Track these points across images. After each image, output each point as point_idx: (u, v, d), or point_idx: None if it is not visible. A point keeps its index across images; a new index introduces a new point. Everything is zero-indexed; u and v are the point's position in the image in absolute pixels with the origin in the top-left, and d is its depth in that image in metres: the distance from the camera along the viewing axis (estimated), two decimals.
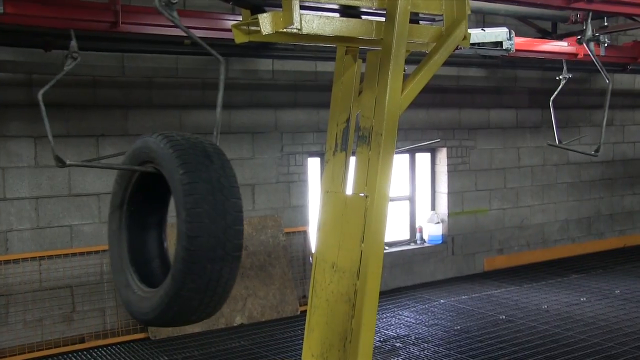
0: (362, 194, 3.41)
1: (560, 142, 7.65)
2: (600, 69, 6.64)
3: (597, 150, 6.71)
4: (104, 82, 6.83)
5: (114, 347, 6.69)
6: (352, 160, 3.69)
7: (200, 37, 6.33)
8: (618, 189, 11.29)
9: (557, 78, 7.44)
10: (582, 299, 8.02)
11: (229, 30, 6.09)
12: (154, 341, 6.82)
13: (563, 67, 7.47)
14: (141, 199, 3.29)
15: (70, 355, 6.47)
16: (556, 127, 7.49)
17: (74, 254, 6.73)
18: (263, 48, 7.26)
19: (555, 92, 7.47)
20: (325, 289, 3.55)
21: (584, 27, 6.74)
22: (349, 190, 3.58)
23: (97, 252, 6.83)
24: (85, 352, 6.53)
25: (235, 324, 7.31)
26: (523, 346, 6.37)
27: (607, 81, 6.71)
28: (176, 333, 6.97)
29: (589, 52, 6.81)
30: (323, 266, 3.58)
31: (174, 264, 2.82)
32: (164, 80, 7.15)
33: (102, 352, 6.56)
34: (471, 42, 4.51)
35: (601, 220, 11.09)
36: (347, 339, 3.37)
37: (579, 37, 6.92)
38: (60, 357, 6.42)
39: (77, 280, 6.75)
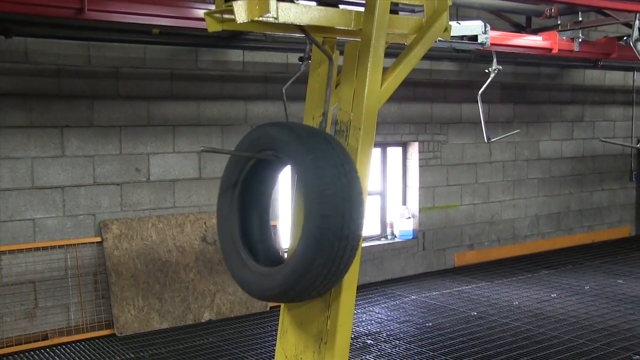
0: None
1: (489, 138, 7.63)
2: None
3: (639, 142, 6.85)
4: (69, 71, 6.60)
5: (78, 344, 6.49)
6: None
7: (168, 26, 6.23)
8: (587, 184, 11.35)
9: (486, 71, 7.37)
10: (552, 295, 8.02)
11: (198, 19, 5.98)
12: (120, 338, 6.64)
13: (493, 59, 7.40)
14: (253, 183, 3.52)
15: (32, 352, 6.25)
16: (484, 123, 7.44)
17: (36, 249, 6.51)
18: (233, 39, 7.10)
19: (484, 86, 7.40)
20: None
21: (632, 30, 6.74)
22: None
23: (61, 246, 6.62)
24: (48, 350, 6.32)
25: (203, 320, 7.15)
26: (495, 343, 6.33)
27: None
28: (143, 329, 6.79)
29: (636, 53, 6.78)
30: None
31: (303, 242, 3.03)
32: (132, 70, 6.94)
33: (67, 349, 6.36)
34: None
35: (571, 215, 11.14)
36: (322, 339, 3.26)
37: (625, 37, 6.94)
38: (22, 354, 6.21)
39: (40, 276, 6.53)
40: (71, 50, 6.57)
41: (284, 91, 5.82)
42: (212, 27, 3.19)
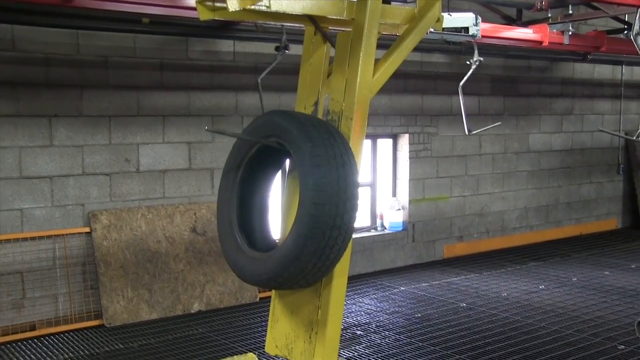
0: None
1: (470, 131, 7.63)
2: None
3: (639, 136, 6.93)
4: (58, 60, 6.54)
5: (67, 334, 6.47)
6: None
7: (158, 15, 6.18)
8: (576, 177, 11.41)
9: (468, 62, 7.35)
10: (540, 287, 8.06)
11: (189, 8, 5.94)
12: (108, 328, 6.62)
13: (474, 51, 7.37)
14: (255, 170, 3.55)
15: (20, 343, 6.22)
16: (465, 115, 7.43)
17: (24, 239, 6.47)
18: (224, 28, 7.06)
19: (465, 77, 7.39)
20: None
21: (633, 24, 6.75)
22: None
23: (49, 236, 6.58)
24: (36, 340, 6.29)
25: (193, 311, 7.14)
26: (484, 334, 6.36)
27: None
28: (132, 320, 6.78)
29: (637, 48, 6.79)
30: None
31: (296, 228, 3.05)
32: (121, 59, 6.89)
33: (55, 339, 6.33)
34: None
35: (559, 208, 11.20)
36: (313, 329, 3.26)
37: (625, 31, 6.96)
38: (9, 345, 6.18)
39: (28, 266, 6.49)
40: (60, 38, 6.52)
41: (259, 81, 5.83)
42: (204, 15, 3.17)
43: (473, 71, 7.36)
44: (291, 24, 4.39)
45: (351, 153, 3.18)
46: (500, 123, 8.58)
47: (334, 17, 3.44)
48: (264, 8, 3.07)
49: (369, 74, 3.29)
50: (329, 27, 3.71)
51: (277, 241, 3.66)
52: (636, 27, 6.68)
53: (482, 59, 7.31)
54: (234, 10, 2.99)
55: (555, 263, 9.37)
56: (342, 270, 3.28)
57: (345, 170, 3.08)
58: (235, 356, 3.75)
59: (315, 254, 3.02)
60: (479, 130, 8.04)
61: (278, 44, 6.61)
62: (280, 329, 3.44)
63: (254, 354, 3.77)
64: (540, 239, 10.83)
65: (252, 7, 3.05)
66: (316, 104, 3.55)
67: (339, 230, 3.05)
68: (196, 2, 3.19)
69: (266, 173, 3.61)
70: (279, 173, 3.70)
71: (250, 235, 3.53)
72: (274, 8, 3.10)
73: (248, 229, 3.54)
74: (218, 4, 3.13)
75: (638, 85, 12.09)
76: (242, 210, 3.54)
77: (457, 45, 8.39)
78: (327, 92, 3.55)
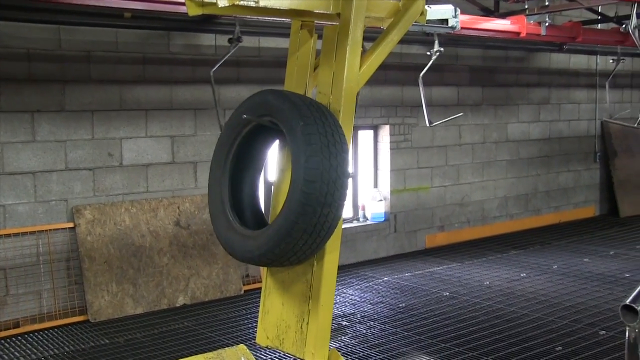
0: None
1: (430, 122, 7.68)
2: None
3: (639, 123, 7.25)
4: (39, 55, 6.51)
5: (52, 330, 6.45)
6: None
7: (140, 9, 6.17)
8: (554, 166, 11.57)
9: (428, 53, 7.39)
10: (522, 275, 8.19)
11: (170, 2, 5.95)
12: (93, 323, 6.62)
13: (435, 41, 7.40)
14: (247, 148, 3.60)
15: (4, 340, 6.20)
16: (425, 106, 7.48)
17: (7, 235, 6.44)
18: (205, 22, 7.06)
19: (426, 67, 7.43)
20: (280, 270, 3.47)
21: (630, 17, 6.96)
22: None
23: (32, 232, 6.56)
24: (20, 338, 6.27)
25: (178, 305, 7.16)
26: (467, 322, 6.46)
27: None
28: (117, 315, 6.78)
29: (634, 40, 6.97)
30: None
31: (287, 205, 3.11)
32: (103, 54, 6.87)
33: (39, 336, 6.31)
34: None
35: (538, 196, 11.35)
36: (304, 320, 3.31)
37: (623, 24, 7.18)
38: None
39: (11, 262, 6.47)
40: (41, 33, 6.48)
41: (212, 74, 5.84)
42: (192, 10, 3.18)
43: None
44: (279, 19, 4.43)
45: (342, 132, 3.24)
46: (462, 114, 8.66)
47: (321, 12, 3.48)
48: (252, 4, 3.10)
49: (356, 67, 3.34)
50: (316, 21, 3.74)
51: (267, 219, 3.72)
52: (634, 21, 6.85)
53: (442, 49, 7.31)
54: (223, 6, 3.01)
55: (535, 251, 9.51)
56: (332, 260, 3.33)
57: (336, 149, 3.15)
58: (226, 348, 3.78)
59: (307, 230, 3.09)
60: (439, 122, 8.11)
61: (231, 36, 6.63)
62: (271, 320, 3.48)
63: (244, 345, 3.81)
64: (520, 227, 10.97)
65: (241, 2, 3.08)
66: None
67: (329, 208, 3.12)
68: None
69: (258, 152, 3.66)
70: (270, 152, 3.78)
71: (241, 213, 3.57)
72: (262, 3, 3.13)
73: (239, 207, 3.58)
74: (207, 0, 3.15)
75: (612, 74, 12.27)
76: (234, 189, 3.59)
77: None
78: (315, 84, 3.58)
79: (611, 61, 10.56)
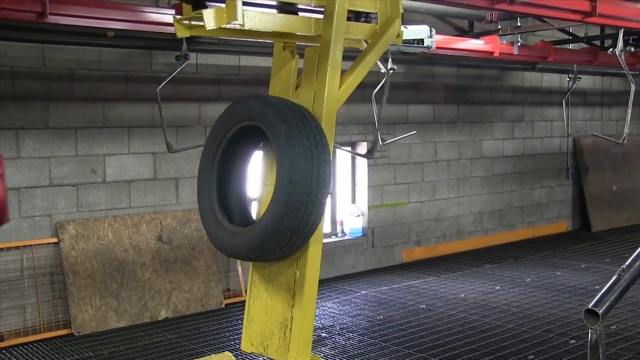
0: None
1: (383, 140, 7.78)
2: (626, 74, 7.51)
3: (624, 140, 7.64)
4: (24, 73, 6.63)
5: (36, 344, 6.53)
6: None
7: (121, 29, 6.33)
8: (528, 182, 11.85)
9: (382, 71, 7.43)
10: (496, 288, 8.40)
11: (152, 23, 6.12)
12: (77, 337, 6.70)
13: (388, 58, 7.22)
14: (233, 150, 3.79)
15: None
16: (377, 121, 7.49)
17: None
18: (187, 41, 7.22)
19: (379, 85, 7.52)
20: (264, 279, 3.63)
21: (617, 41, 7.36)
22: None
23: (17, 247, 6.65)
24: (4, 351, 6.34)
25: (160, 318, 7.27)
26: (443, 333, 6.64)
27: (632, 84, 7.42)
28: (100, 328, 6.87)
29: (621, 62, 7.35)
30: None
31: (273, 204, 3.31)
32: (87, 72, 7.01)
33: (24, 349, 6.39)
34: None
35: (512, 212, 11.62)
36: (287, 327, 3.47)
37: (611, 49, 7.58)
38: None
39: None
40: (26, 52, 6.61)
41: (158, 92, 6.03)
42: (181, 33, 3.36)
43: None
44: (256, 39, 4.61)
45: (323, 134, 3.42)
46: (415, 132, 8.85)
47: (303, 34, 3.67)
48: (238, 26, 3.28)
49: (336, 86, 3.53)
50: (298, 43, 3.93)
51: (254, 217, 3.90)
52: (620, 45, 7.22)
53: (395, 67, 7.36)
54: (210, 29, 3.20)
55: (509, 265, 9.74)
56: (314, 269, 3.50)
57: (318, 150, 3.32)
58: (212, 355, 3.92)
59: (291, 228, 3.28)
60: (391, 140, 8.28)
61: (178, 54, 6.75)
62: (255, 327, 3.64)
63: (229, 353, 3.95)
64: (495, 242, 11.21)
65: (228, 25, 3.26)
66: None
67: (312, 206, 3.31)
68: (174, 21, 3.39)
69: (244, 153, 3.86)
70: (256, 153, 4.01)
71: (229, 211, 3.77)
72: (247, 26, 3.32)
73: (227, 206, 3.78)
74: (194, 23, 3.33)
75: (583, 92, 12.62)
76: (221, 188, 3.79)
77: (412, 56, 8.70)
78: (297, 102, 3.77)
79: (568, 79, 10.95)
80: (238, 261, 8.02)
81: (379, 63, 7.08)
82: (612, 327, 6.54)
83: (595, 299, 3.19)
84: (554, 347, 6.15)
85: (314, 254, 3.47)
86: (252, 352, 3.65)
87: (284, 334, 3.46)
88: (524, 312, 7.31)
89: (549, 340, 6.34)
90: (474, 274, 9.18)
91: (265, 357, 3.69)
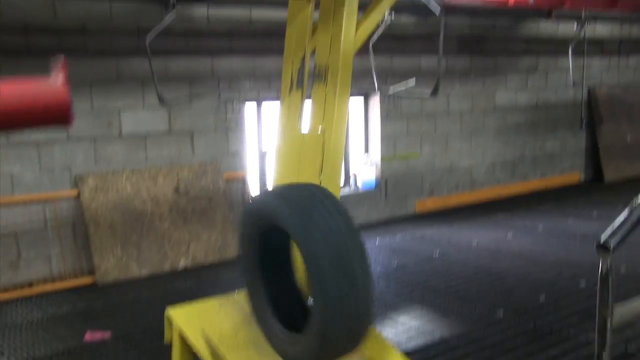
0: (320, 130, 3.59)
1: (380, 90, 7.66)
2: None
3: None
4: (36, 27, 6.70)
5: (62, 292, 6.74)
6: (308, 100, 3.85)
7: None
8: (541, 133, 11.86)
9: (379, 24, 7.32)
10: (508, 235, 8.52)
11: None
12: (101, 285, 6.90)
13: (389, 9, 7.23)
14: (272, 251, 3.29)
15: (20, 300, 6.49)
16: (375, 73, 7.51)
17: (16, 202, 6.69)
18: None
19: (376, 36, 7.52)
20: None
21: None
22: (306, 127, 3.74)
23: (39, 200, 6.81)
24: (34, 298, 6.55)
25: (180, 267, 7.45)
26: (457, 278, 6.78)
27: None
28: (123, 276, 7.06)
29: None
30: None
31: (317, 318, 2.84)
32: (98, 26, 7.06)
33: (52, 297, 6.60)
34: None
35: (525, 163, 11.66)
36: None
37: None
38: (9, 303, 6.44)
39: (21, 228, 6.73)
40: (37, 5, 6.67)
41: (147, 44, 5.90)
42: None
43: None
44: None
45: (360, 240, 2.87)
46: (413, 79, 8.75)
47: None
48: None
49: (352, 30, 3.58)
50: None
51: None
52: None
53: (392, 17, 7.30)
54: None
55: (521, 214, 9.84)
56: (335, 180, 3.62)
57: (356, 271, 2.79)
58: (236, 291, 4.07)
59: (341, 338, 2.85)
60: (391, 90, 8.24)
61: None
62: None
63: None
64: (508, 192, 11.30)
65: None
66: (303, 59, 3.82)
67: (357, 320, 2.84)
68: None
69: (283, 252, 3.36)
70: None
71: (282, 314, 3.31)
72: None
73: (279, 310, 3.32)
74: None
75: (600, 41, 12.52)
76: (269, 293, 3.32)
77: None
78: (313, 47, 3.82)
79: (578, 26, 10.77)
80: None
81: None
82: (621, 271, 6.65)
83: (607, 232, 3.28)
84: (564, 289, 6.28)
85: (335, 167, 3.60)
86: None
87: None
88: (535, 258, 7.43)
89: (560, 283, 6.47)
90: (486, 223, 9.29)
91: None
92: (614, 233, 3.37)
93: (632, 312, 3.54)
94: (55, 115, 2.28)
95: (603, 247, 3.32)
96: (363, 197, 9.54)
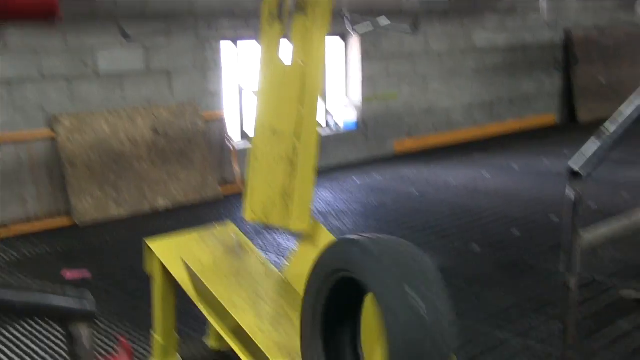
0: (300, 62, 3.58)
1: (354, 30, 7.49)
2: None
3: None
4: None
5: (40, 234, 6.72)
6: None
7: None
8: (518, 74, 11.90)
9: None
10: (485, 175, 8.62)
11: None
12: (80, 226, 6.91)
13: None
14: (336, 306, 2.92)
15: None
16: (348, 12, 7.24)
17: None
18: None
19: None
20: (264, 153, 3.75)
21: None
22: (286, 59, 3.73)
23: (13, 140, 6.73)
24: (9, 240, 6.54)
25: (159, 207, 7.46)
26: (435, 215, 6.89)
27: None
28: (101, 217, 7.07)
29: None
30: (262, 132, 3.76)
31: None
32: None
33: (30, 237, 6.59)
34: None
35: (502, 104, 11.72)
36: (287, 195, 3.63)
37: None
38: None
39: None
40: None
41: None
42: None
43: None
44: None
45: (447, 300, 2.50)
46: (384, 17, 8.50)
47: None
48: None
49: None
50: None
51: None
52: None
53: None
54: None
55: (498, 154, 9.94)
56: (313, 138, 3.61)
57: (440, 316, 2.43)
58: (215, 225, 4.10)
59: None
60: (364, 29, 8.10)
61: None
62: (256, 198, 3.79)
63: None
64: (484, 133, 11.38)
65: None
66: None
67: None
68: None
69: (349, 309, 2.96)
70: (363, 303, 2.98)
71: None
72: None
73: None
74: None
75: None
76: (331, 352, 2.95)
77: None
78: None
79: None
80: (233, 153, 8.17)
81: None
82: (592, 206, 6.78)
83: (576, 159, 3.36)
84: (537, 223, 6.42)
85: (312, 124, 3.58)
86: (254, 221, 3.83)
87: (285, 202, 3.63)
88: (510, 196, 7.55)
89: (533, 218, 6.61)
90: (463, 163, 9.39)
91: (267, 225, 3.88)
92: (583, 160, 3.46)
93: (598, 237, 3.67)
94: (42, 7, 2.34)
95: (573, 173, 3.41)
96: (343, 137, 9.56)
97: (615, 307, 4.56)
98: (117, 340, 2.71)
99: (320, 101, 3.64)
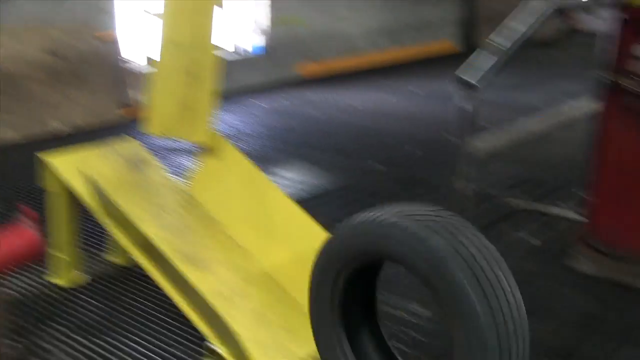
0: None
1: None
2: None
3: None
4: None
5: None
6: None
7: None
8: (420, 0, 11.98)
9: None
10: (390, 99, 8.76)
11: None
12: None
13: None
14: (353, 293, 2.58)
15: None
16: None
17: None
18: None
19: None
20: (167, 66, 3.67)
21: None
22: None
23: None
24: None
25: (57, 132, 7.19)
26: (341, 136, 6.99)
27: None
28: None
29: None
30: (165, 45, 3.66)
31: None
32: None
33: None
34: None
35: (403, 30, 11.81)
36: (187, 106, 3.60)
37: None
38: None
39: None
40: None
41: None
42: None
43: None
44: None
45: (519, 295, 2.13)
46: None
47: None
48: None
49: None
50: None
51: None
52: None
53: None
54: None
55: (402, 79, 10.08)
56: (211, 49, 3.56)
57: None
58: (119, 142, 3.99)
59: None
60: None
61: None
62: (158, 111, 3.71)
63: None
64: (388, 59, 11.46)
65: None
66: None
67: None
68: None
69: (365, 293, 2.66)
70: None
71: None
72: None
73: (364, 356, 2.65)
74: None
75: None
76: (352, 339, 2.65)
77: None
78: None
79: None
80: (130, 75, 7.93)
81: None
82: (483, 125, 7.03)
83: (464, 69, 3.48)
84: (439, 144, 6.61)
85: (207, 33, 3.53)
86: (154, 134, 3.76)
87: (185, 114, 3.58)
88: (415, 119, 7.73)
89: (436, 139, 6.80)
90: (369, 88, 9.49)
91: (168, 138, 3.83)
92: (480, 74, 3.62)
93: (491, 146, 3.88)
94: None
95: (465, 83, 3.57)
96: (251, 62, 9.45)
97: (506, 216, 4.82)
98: (19, 209, 2.77)
99: (217, 10, 3.57)
